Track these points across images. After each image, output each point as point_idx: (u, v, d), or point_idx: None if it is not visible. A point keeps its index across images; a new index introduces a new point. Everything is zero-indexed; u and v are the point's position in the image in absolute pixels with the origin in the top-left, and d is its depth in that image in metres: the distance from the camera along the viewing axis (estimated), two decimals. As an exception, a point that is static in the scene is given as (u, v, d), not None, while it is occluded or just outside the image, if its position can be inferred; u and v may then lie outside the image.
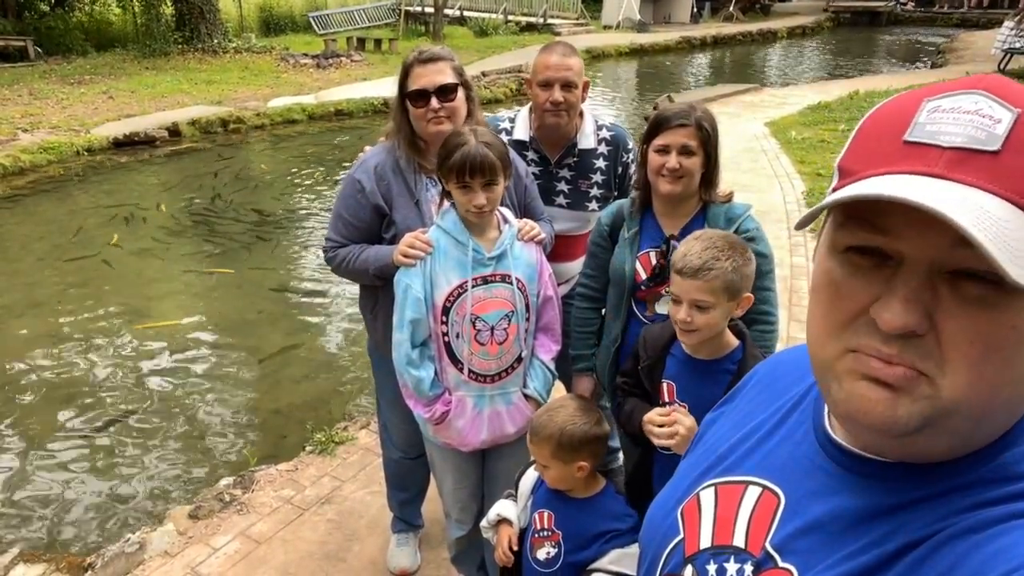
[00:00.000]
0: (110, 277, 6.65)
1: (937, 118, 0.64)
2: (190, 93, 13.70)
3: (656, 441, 1.91)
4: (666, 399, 2.01)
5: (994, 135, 0.61)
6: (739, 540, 0.81)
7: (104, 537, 3.60)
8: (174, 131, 11.33)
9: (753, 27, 27.44)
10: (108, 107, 12.49)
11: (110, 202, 8.58)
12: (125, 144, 10.73)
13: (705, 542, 0.85)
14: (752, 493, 0.84)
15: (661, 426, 1.89)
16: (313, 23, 20.72)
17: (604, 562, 1.88)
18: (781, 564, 0.76)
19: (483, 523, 2.20)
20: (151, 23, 17.12)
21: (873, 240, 0.65)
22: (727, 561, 0.81)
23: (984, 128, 0.62)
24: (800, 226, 0.74)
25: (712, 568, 0.82)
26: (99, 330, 5.69)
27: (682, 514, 0.89)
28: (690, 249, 1.86)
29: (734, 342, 1.96)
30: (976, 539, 0.62)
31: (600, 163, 2.85)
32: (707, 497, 0.88)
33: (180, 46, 17.15)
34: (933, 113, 0.65)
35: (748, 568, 0.79)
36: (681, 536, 0.88)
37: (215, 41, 17.62)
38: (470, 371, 2.29)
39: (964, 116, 0.63)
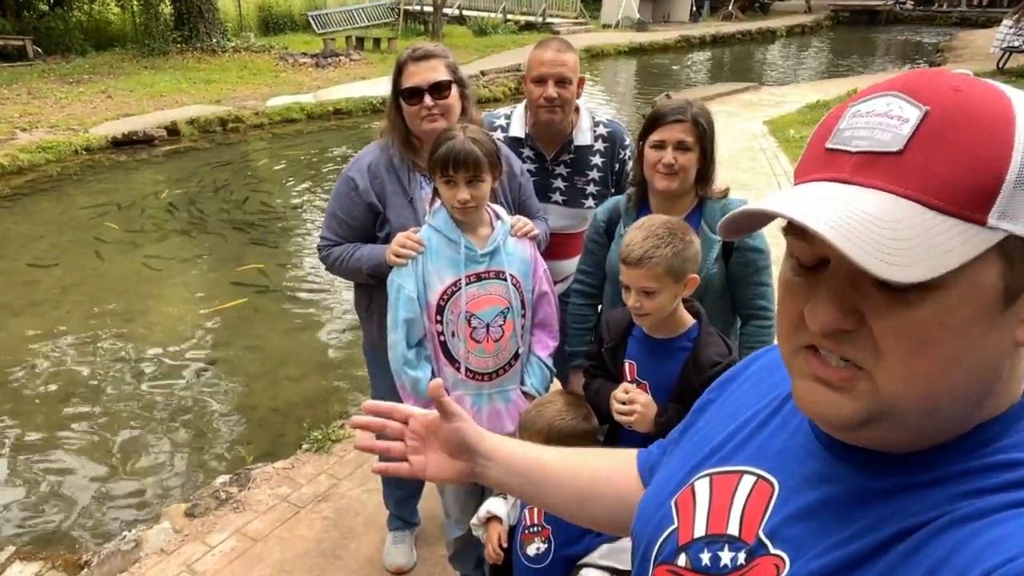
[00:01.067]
0: (108, 276, 6.64)
1: (854, 123, 0.67)
2: (189, 92, 13.69)
3: (617, 418, 1.99)
4: (628, 378, 2.07)
5: (899, 135, 0.63)
6: (733, 528, 0.82)
7: (100, 535, 3.60)
8: (173, 130, 11.31)
9: (752, 26, 27.44)
10: (107, 106, 12.47)
11: (108, 201, 8.57)
12: (124, 143, 10.71)
13: (699, 531, 0.85)
14: (747, 482, 0.84)
15: (623, 403, 1.99)
16: (312, 22, 20.70)
17: (595, 556, 1.88)
18: (773, 551, 0.76)
19: (473, 520, 2.21)
20: (150, 22, 17.10)
21: (801, 247, 0.69)
22: (721, 549, 0.81)
23: (890, 129, 0.64)
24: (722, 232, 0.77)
25: (706, 556, 0.82)
26: (97, 329, 5.69)
27: (676, 504, 0.90)
28: (633, 239, 1.94)
29: (689, 320, 2.03)
30: (974, 527, 0.62)
31: (597, 160, 2.85)
32: (702, 487, 0.89)
33: (179, 45, 17.13)
34: (852, 118, 0.67)
35: (741, 556, 0.79)
36: (675, 526, 0.88)
37: (214, 40, 17.61)
38: (467, 370, 2.29)
39: (875, 119, 0.65)
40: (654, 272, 1.89)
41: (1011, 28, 15.73)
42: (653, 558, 0.89)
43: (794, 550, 0.74)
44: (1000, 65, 15.70)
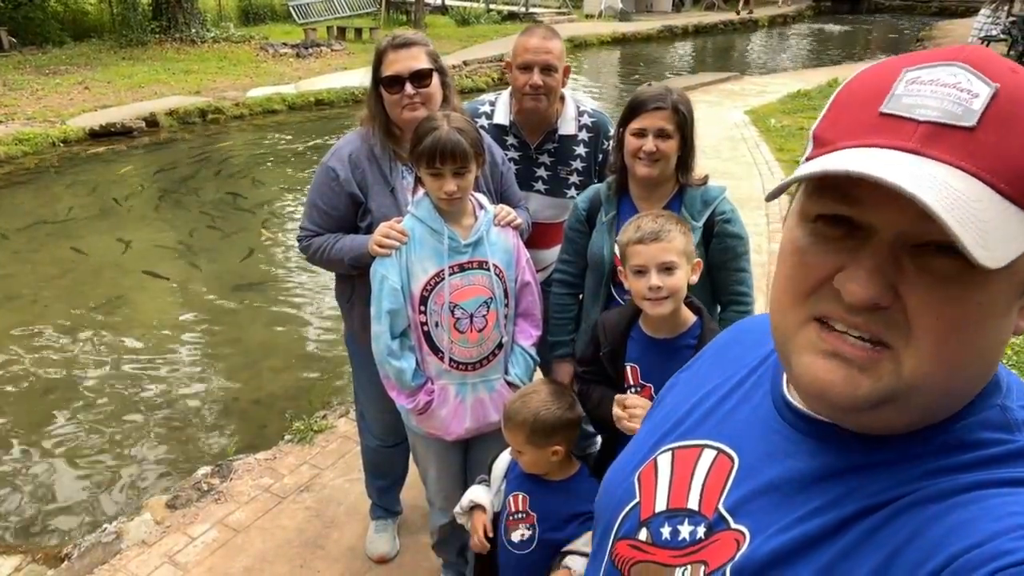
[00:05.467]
0: (87, 268, 6.57)
1: (915, 90, 0.63)
2: (168, 83, 13.51)
3: (623, 427, 1.93)
4: (631, 382, 2.03)
5: (970, 110, 0.60)
6: (693, 503, 0.81)
7: (81, 527, 3.57)
8: (152, 122, 11.16)
9: (735, 15, 27.48)
10: (84, 98, 12.29)
11: (86, 193, 8.48)
12: (102, 135, 10.56)
13: (661, 505, 0.85)
14: (707, 456, 0.84)
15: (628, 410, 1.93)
16: (293, 12, 20.45)
17: (579, 544, 1.89)
18: (734, 525, 0.76)
19: (456, 509, 2.20)
20: (127, 12, 16.84)
21: (843, 210, 0.64)
22: (681, 523, 0.81)
23: (961, 103, 0.60)
24: (770, 197, 0.73)
25: (666, 530, 0.82)
26: (77, 321, 5.63)
27: (639, 479, 0.90)
28: (641, 223, 1.94)
29: (691, 318, 1.99)
30: (936, 509, 0.62)
31: (580, 149, 2.83)
32: (664, 461, 0.88)
33: (157, 36, 16.88)
34: (911, 84, 0.63)
35: (701, 530, 0.79)
36: (637, 500, 0.88)
37: (193, 30, 17.37)
38: (451, 360, 2.28)
39: (942, 89, 0.61)
40: (673, 245, 1.87)
41: (989, 17, 15.90)
42: (615, 533, 0.89)
43: (755, 525, 0.74)
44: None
